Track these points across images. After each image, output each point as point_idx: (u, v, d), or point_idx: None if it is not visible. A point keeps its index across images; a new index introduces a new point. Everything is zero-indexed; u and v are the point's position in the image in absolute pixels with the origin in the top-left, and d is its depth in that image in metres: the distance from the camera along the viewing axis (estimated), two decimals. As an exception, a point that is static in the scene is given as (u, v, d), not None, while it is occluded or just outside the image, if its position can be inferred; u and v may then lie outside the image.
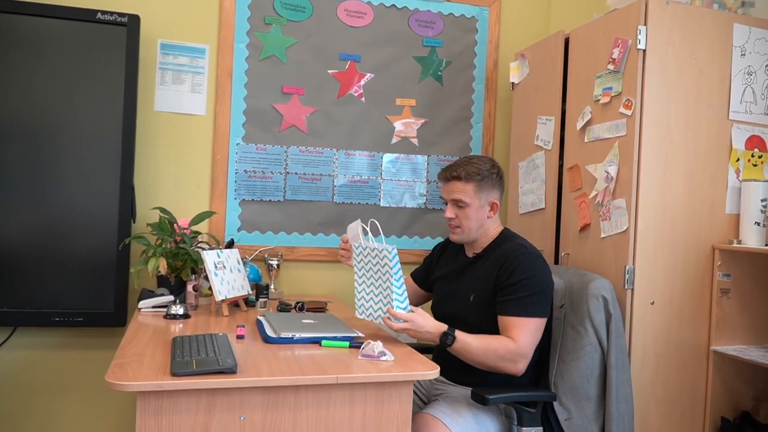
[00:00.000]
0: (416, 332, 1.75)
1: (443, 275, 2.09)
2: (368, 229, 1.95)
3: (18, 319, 2.35)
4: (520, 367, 1.77)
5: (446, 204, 1.99)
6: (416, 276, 2.26)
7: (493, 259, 1.91)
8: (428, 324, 1.75)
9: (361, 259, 1.90)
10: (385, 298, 1.80)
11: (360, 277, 1.90)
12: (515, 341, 1.76)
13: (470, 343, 1.74)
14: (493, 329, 1.82)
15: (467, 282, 1.96)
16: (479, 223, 1.95)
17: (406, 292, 1.81)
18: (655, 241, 2.02)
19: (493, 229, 1.99)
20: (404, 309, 1.78)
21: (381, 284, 1.82)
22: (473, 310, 1.88)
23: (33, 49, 2.33)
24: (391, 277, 1.77)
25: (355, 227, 2.05)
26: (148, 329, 1.86)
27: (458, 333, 1.74)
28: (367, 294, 1.87)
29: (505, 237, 1.97)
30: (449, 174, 1.96)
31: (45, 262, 2.35)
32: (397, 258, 1.78)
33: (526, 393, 1.85)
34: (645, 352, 2.01)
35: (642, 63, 2.01)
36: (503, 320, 1.81)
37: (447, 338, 1.73)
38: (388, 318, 1.75)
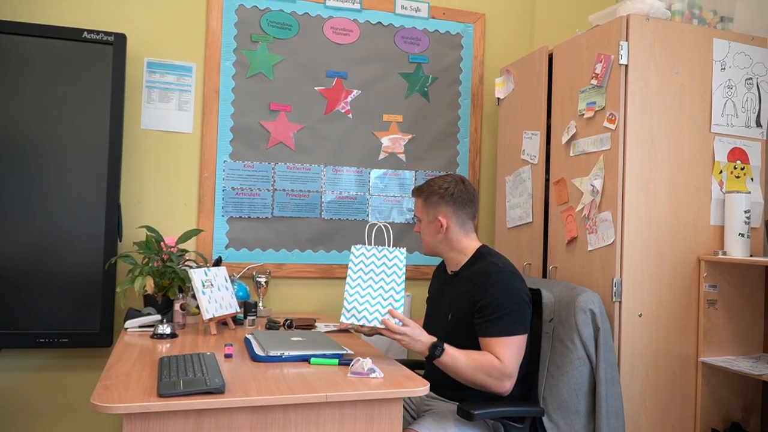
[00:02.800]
0: (411, 339, 1.74)
1: (431, 296, 2.13)
2: None
3: (2, 341, 2.31)
4: (506, 386, 1.77)
5: None
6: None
7: (467, 277, 1.91)
8: (423, 334, 1.77)
9: (361, 261, 1.89)
10: (385, 300, 1.82)
11: (355, 280, 1.87)
12: (500, 360, 1.76)
13: (458, 357, 1.74)
14: (473, 348, 1.81)
15: (446, 301, 1.97)
16: (432, 237, 1.97)
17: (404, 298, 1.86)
18: (641, 253, 2.03)
19: (469, 246, 1.97)
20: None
21: (384, 286, 1.84)
22: (451, 329, 1.88)
23: (20, 68, 2.32)
24: (398, 278, 1.83)
25: None
26: (135, 349, 1.84)
27: (447, 346, 1.74)
28: (362, 297, 1.84)
29: (480, 255, 1.95)
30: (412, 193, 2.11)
31: (30, 282, 2.32)
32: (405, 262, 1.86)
33: (514, 408, 1.83)
34: (634, 365, 2.01)
35: (624, 78, 2.04)
36: (485, 342, 1.80)
37: (436, 350, 1.73)
38: (388, 319, 1.75)
